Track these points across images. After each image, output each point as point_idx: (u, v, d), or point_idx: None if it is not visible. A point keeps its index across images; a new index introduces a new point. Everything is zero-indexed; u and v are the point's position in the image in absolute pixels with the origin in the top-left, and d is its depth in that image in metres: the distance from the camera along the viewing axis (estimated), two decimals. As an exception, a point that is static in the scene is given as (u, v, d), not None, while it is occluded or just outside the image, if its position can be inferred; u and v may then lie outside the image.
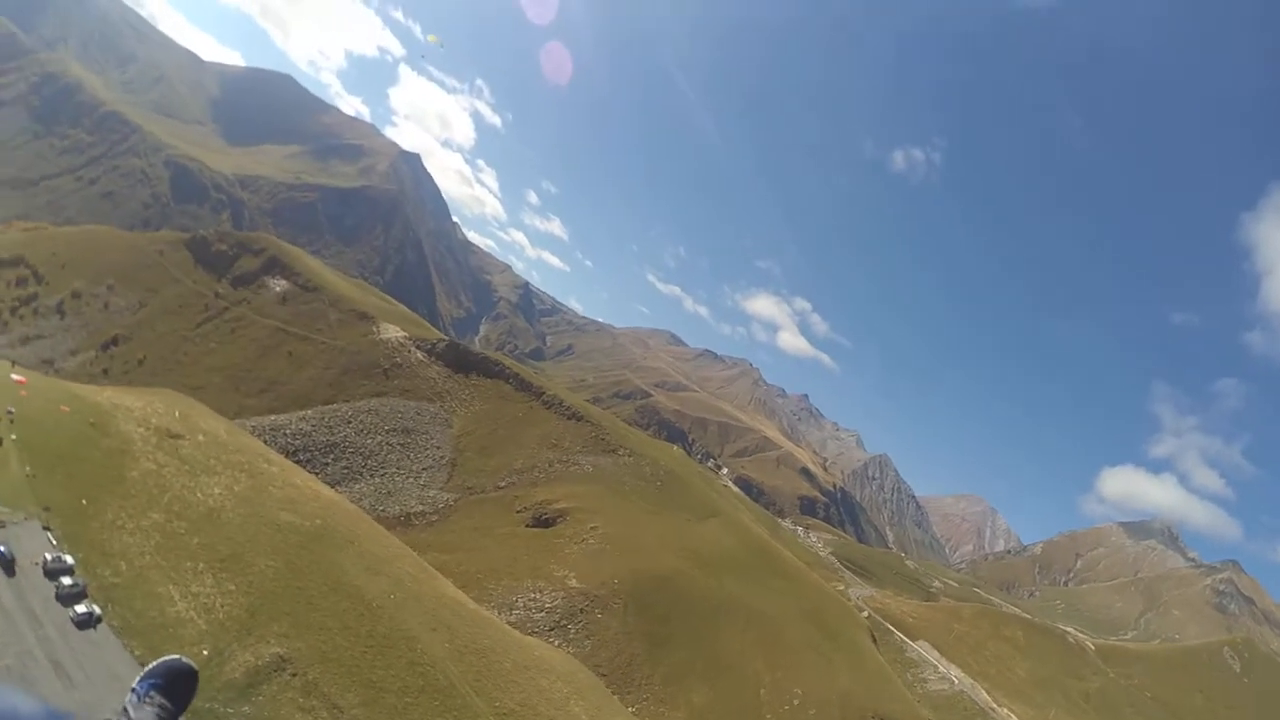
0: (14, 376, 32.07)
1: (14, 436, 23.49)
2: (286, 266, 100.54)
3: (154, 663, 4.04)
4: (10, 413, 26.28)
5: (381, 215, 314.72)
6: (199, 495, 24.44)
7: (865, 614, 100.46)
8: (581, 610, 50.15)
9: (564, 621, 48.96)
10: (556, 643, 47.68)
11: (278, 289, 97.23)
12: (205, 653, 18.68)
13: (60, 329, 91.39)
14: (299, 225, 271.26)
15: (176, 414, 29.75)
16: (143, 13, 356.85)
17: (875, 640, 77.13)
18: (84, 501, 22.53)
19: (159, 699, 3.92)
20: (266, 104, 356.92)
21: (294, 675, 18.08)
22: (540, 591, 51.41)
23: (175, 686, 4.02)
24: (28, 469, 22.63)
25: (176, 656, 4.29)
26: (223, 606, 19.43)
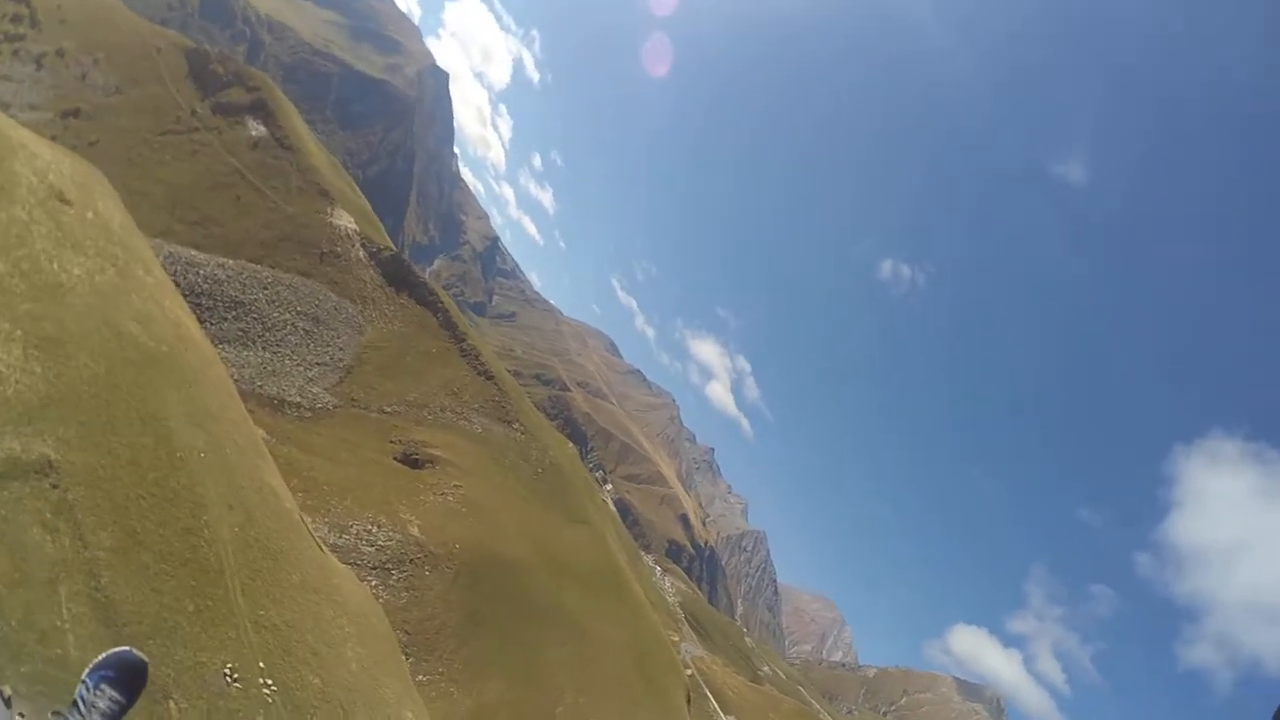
0: None
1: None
2: (271, 114, 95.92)
3: (103, 654, 4.05)
4: None
5: (389, 114, 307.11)
6: (55, 266, 21.14)
7: (689, 672, 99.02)
8: (411, 561, 47.24)
9: (389, 565, 45.94)
10: (374, 584, 44.75)
11: (254, 132, 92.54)
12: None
13: (31, 79, 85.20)
14: (307, 90, 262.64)
15: (72, 178, 26.35)
16: None
17: (689, 701, 75.60)
18: None
19: (110, 691, 3.88)
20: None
21: (54, 487, 15.09)
22: (379, 526, 48.34)
23: (126, 679, 3.97)
24: None
25: (127, 648, 4.27)
26: (16, 383, 16.32)
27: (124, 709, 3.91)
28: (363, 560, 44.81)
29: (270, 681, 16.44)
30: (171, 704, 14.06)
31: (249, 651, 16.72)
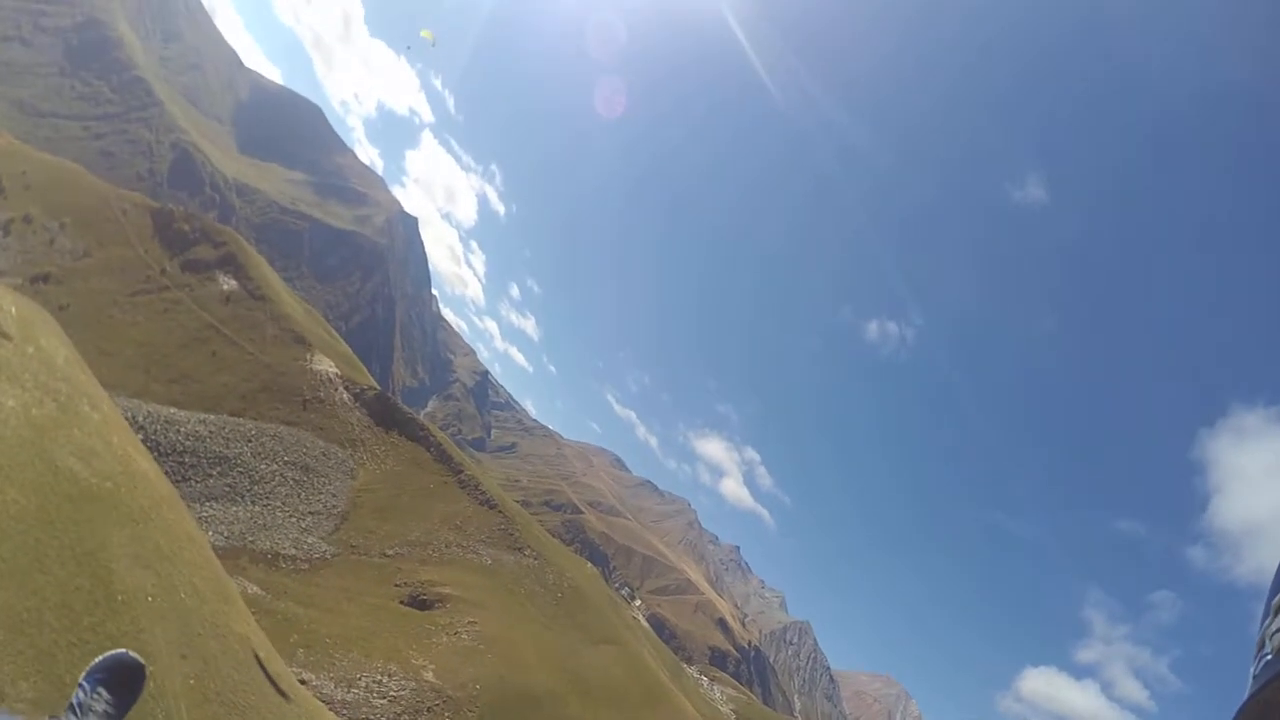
0: None
1: None
2: (241, 267, 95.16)
3: (99, 658, 4.08)
4: None
5: (363, 264, 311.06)
6: None
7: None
8: (429, 709, 42.63)
9: (406, 717, 41.41)
10: (389, 739, 40.00)
11: (225, 286, 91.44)
12: None
13: None
14: (281, 248, 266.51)
15: (14, 312, 23.66)
16: (205, 0, 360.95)
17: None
18: None
19: (106, 695, 3.86)
20: (289, 125, 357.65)
21: None
22: (389, 676, 43.84)
23: (122, 681, 4.00)
24: None
25: (123, 651, 4.31)
26: None
27: (121, 712, 3.83)
28: (375, 714, 40.25)
29: None
30: None
31: (203, 835, 13.05)
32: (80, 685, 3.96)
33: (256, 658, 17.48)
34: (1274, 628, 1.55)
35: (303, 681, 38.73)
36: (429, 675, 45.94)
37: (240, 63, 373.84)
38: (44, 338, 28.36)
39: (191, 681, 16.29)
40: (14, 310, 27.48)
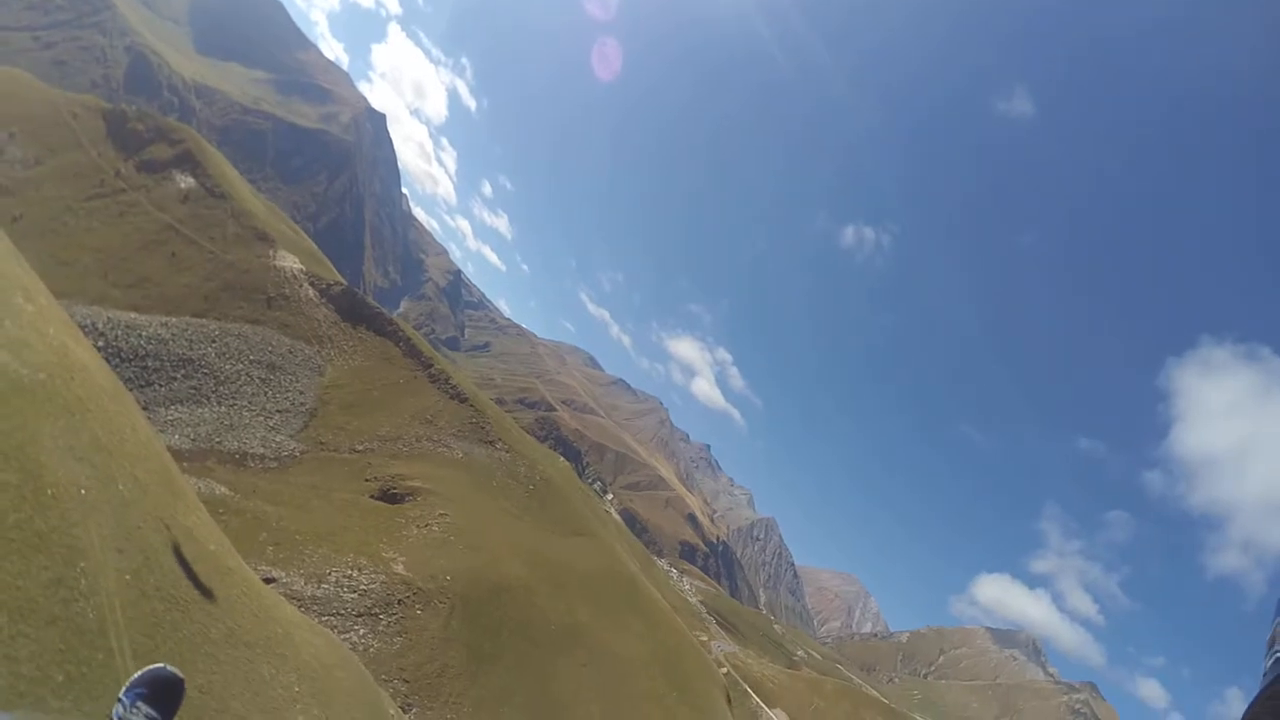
0: None
1: None
2: (199, 165, 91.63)
3: (139, 672, 4.14)
4: None
5: (330, 164, 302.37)
6: None
7: (725, 670, 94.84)
8: (400, 602, 42.85)
9: (376, 610, 41.52)
10: (361, 632, 40.29)
11: (183, 185, 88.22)
12: None
13: None
14: (244, 150, 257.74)
15: None
16: None
17: (730, 701, 71.49)
18: None
19: (145, 709, 3.96)
20: (247, 23, 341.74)
21: None
22: (359, 570, 43.97)
23: (161, 696, 4.07)
24: None
25: (162, 665, 4.33)
26: None
27: None
28: (345, 609, 40.40)
29: (168, 768, 12.19)
30: None
31: (137, 730, 12.48)
32: (120, 700, 4.00)
33: (176, 551, 16.78)
34: None
35: (271, 579, 38.66)
36: (399, 568, 46.12)
37: None
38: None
39: (128, 577, 15.63)
40: None
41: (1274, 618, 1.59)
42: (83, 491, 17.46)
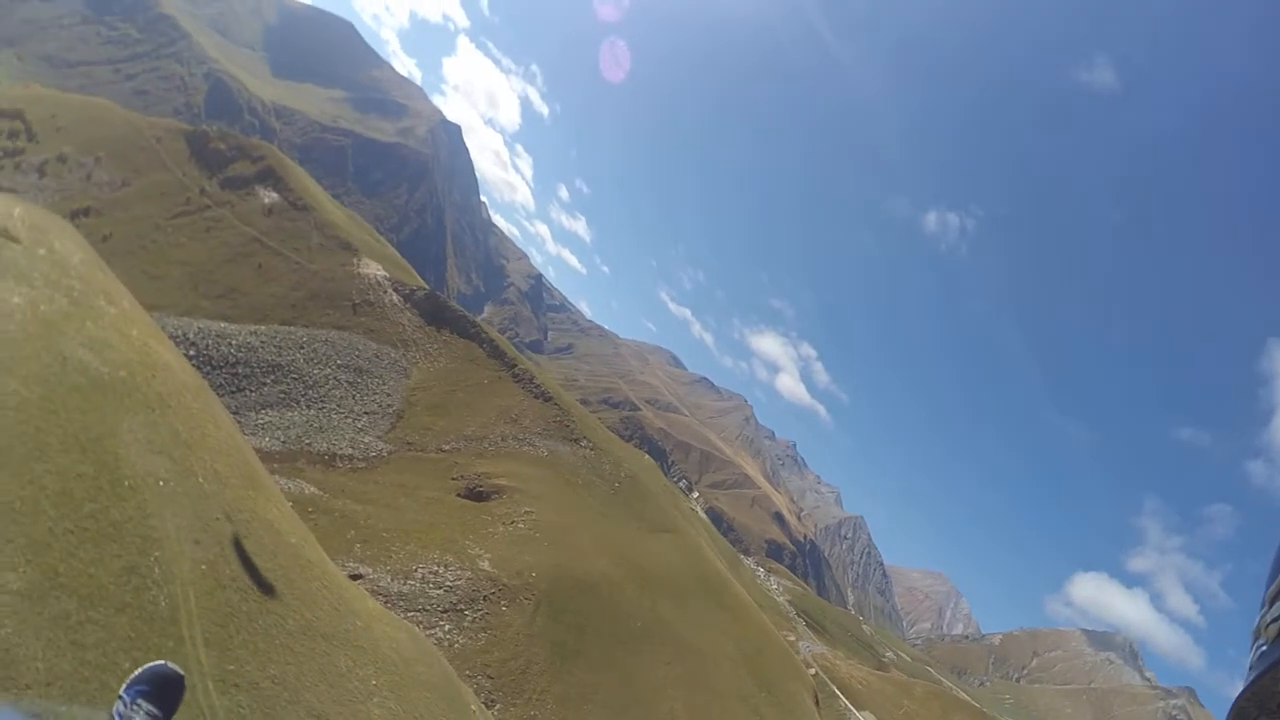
0: None
1: None
2: (281, 180, 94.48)
3: (140, 669, 4.12)
4: None
5: (409, 176, 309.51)
6: None
7: (812, 671, 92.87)
8: (485, 598, 42.82)
9: (462, 606, 41.56)
10: (447, 628, 40.33)
11: (266, 200, 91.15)
12: None
13: (36, 188, 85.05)
14: (326, 166, 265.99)
15: (18, 214, 22.41)
16: None
17: (818, 702, 69.76)
18: None
19: (146, 705, 3.91)
20: (321, 45, 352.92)
21: None
22: (445, 567, 44.12)
23: (162, 693, 4.05)
24: None
25: (163, 662, 4.31)
26: None
27: None
28: (431, 605, 40.61)
29: (236, 758, 11.95)
30: None
31: (207, 719, 12.26)
32: (120, 697, 3.93)
33: (236, 543, 16.55)
34: (1269, 617, 1.55)
35: (358, 576, 39.10)
36: (485, 564, 46.21)
37: None
38: (58, 241, 27.48)
39: (203, 567, 15.56)
40: (20, 214, 26.65)
41: (1261, 608, 1.58)
42: (161, 484, 17.54)
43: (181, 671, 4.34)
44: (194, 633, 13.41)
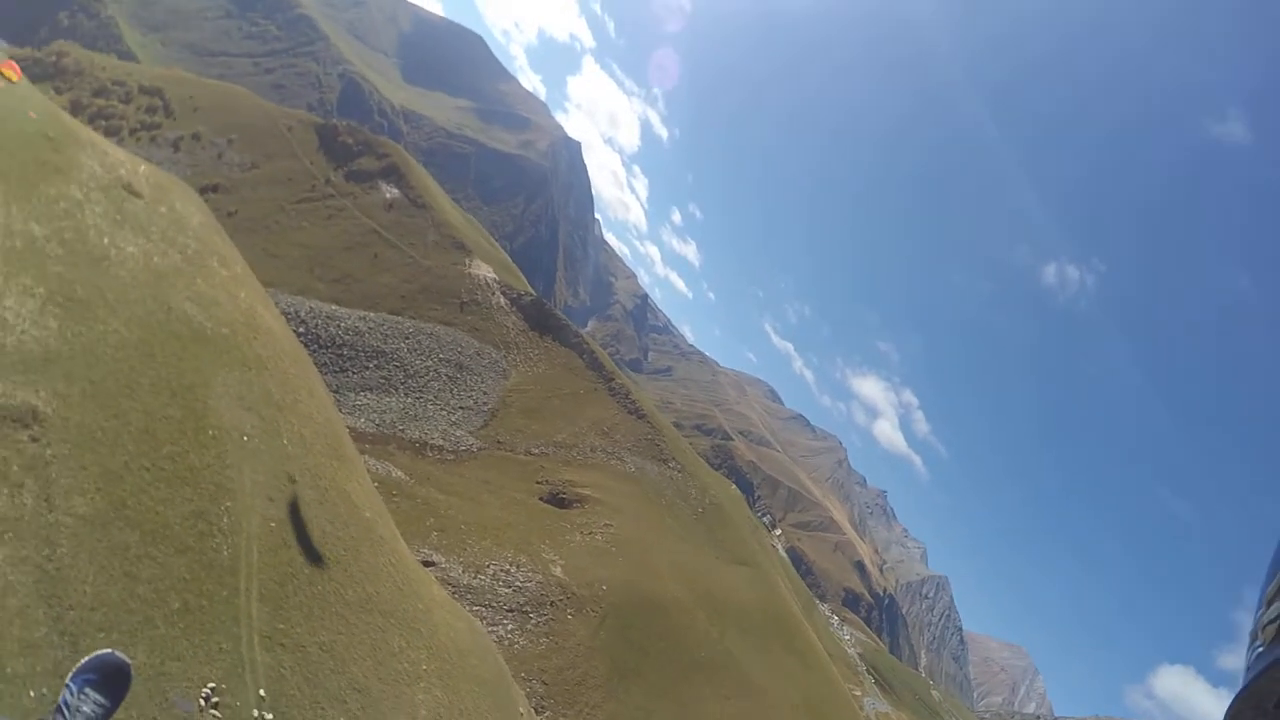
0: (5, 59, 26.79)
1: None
2: (403, 177, 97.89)
3: (86, 658, 4.04)
4: None
5: (527, 187, 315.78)
6: (104, 241, 18.01)
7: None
8: (552, 603, 42.40)
9: (527, 608, 41.22)
10: (509, 628, 40.07)
11: (388, 195, 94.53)
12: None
13: (169, 161, 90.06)
14: (448, 171, 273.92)
15: (143, 171, 23.55)
16: None
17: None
18: None
19: (94, 695, 3.89)
20: (452, 56, 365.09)
21: (33, 440, 11.61)
22: (518, 566, 43.94)
23: (110, 682, 3.99)
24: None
25: (109, 651, 4.25)
26: (22, 333, 12.96)
27: (109, 712, 3.85)
28: (498, 602, 40.47)
29: (270, 716, 11.66)
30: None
31: (247, 672, 12.08)
32: (67, 686, 3.88)
33: (305, 508, 16.35)
34: (1267, 618, 1.54)
35: (430, 563, 39.22)
36: (557, 570, 45.88)
37: None
38: (179, 202, 28.59)
39: (272, 524, 15.53)
40: (145, 173, 27.87)
41: (1256, 610, 1.57)
42: (245, 439, 17.71)
43: (129, 661, 4.22)
44: (251, 586, 13.30)
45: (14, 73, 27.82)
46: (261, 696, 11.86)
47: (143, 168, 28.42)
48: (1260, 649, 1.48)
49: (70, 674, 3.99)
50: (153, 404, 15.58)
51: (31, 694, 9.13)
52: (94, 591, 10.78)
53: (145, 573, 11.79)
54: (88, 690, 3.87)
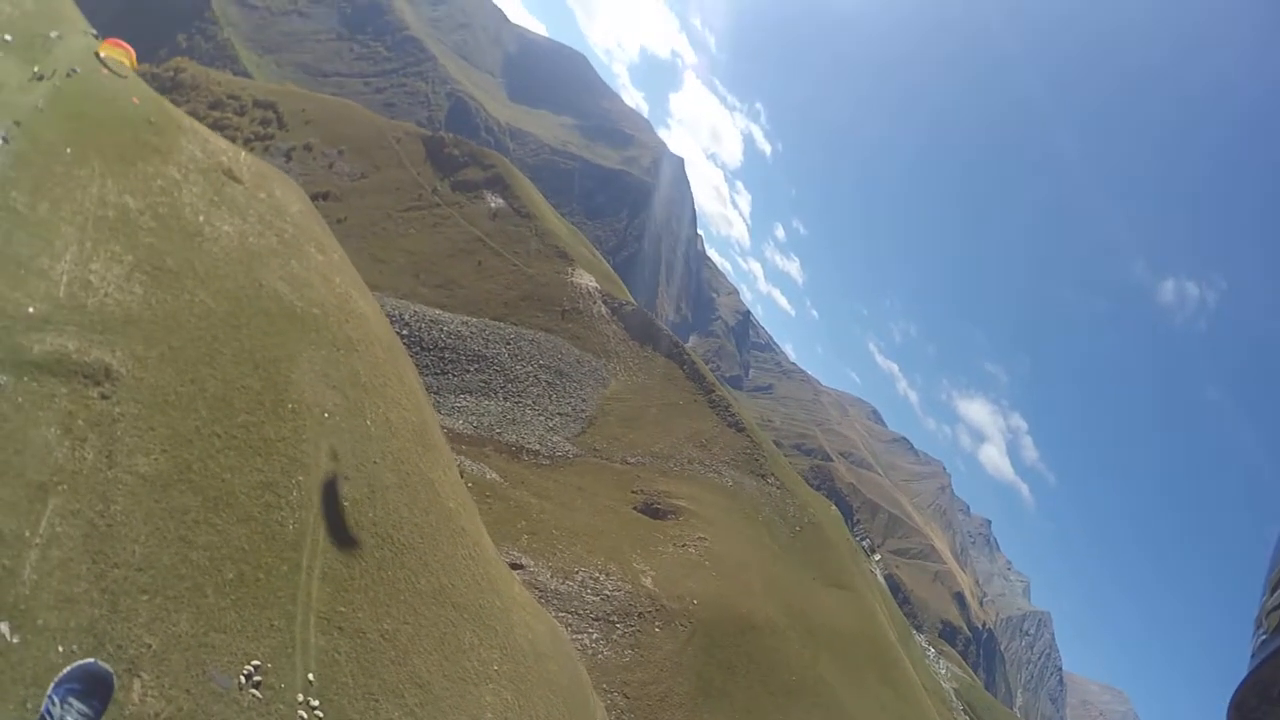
0: (122, 46, 28.05)
1: (40, 105, 18.22)
2: (508, 187, 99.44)
3: (69, 667, 3.98)
4: (73, 72, 22.12)
5: (630, 202, 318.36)
6: (199, 218, 17.89)
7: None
8: (640, 614, 41.12)
9: (614, 617, 40.07)
10: (594, 636, 38.98)
11: (493, 205, 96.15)
12: (31, 310, 11.96)
13: (282, 170, 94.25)
14: (552, 186, 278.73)
15: (244, 160, 23.72)
16: None
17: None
18: (68, 150, 17.01)
19: (78, 705, 3.86)
20: (555, 74, 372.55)
21: (103, 398, 11.18)
22: (607, 575, 42.92)
23: (93, 691, 3.93)
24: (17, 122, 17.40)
25: (92, 660, 4.22)
26: (105, 296, 12.72)
27: None
28: (585, 610, 39.45)
29: (316, 703, 10.75)
30: (137, 683, 8.74)
31: (296, 653, 11.27)
32: (49, 697, 3.79)
33: (335, 494, 15.42)
34: (1271, 604, 1.54)
35: (519, 565, 38.56)
36: (647, 581, 44.63)
37: (506, 19, 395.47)
38: (279, 190, 28.86)
39: (345, 504, 14.87)
40: (246, 160, 28.21)
41: (1261, 596, 1.57)
42: (326, 415, 17.17)
43: (111, 670, 4.13)
44: (314, 564, 12.56)
45: (128, 56, 28.81)
46: (310, 680, 11.04)
47: (244, 156, 28.87)
48: (1264, 636, 1.48)
49: (51, 684, 3.93)
50: (232, 373, 15.18)
51: (60, 649, 8.53)
52: (144, 552, 10.19)
53: (202, 539, 11.18)
54: (71, 700, 3.77)
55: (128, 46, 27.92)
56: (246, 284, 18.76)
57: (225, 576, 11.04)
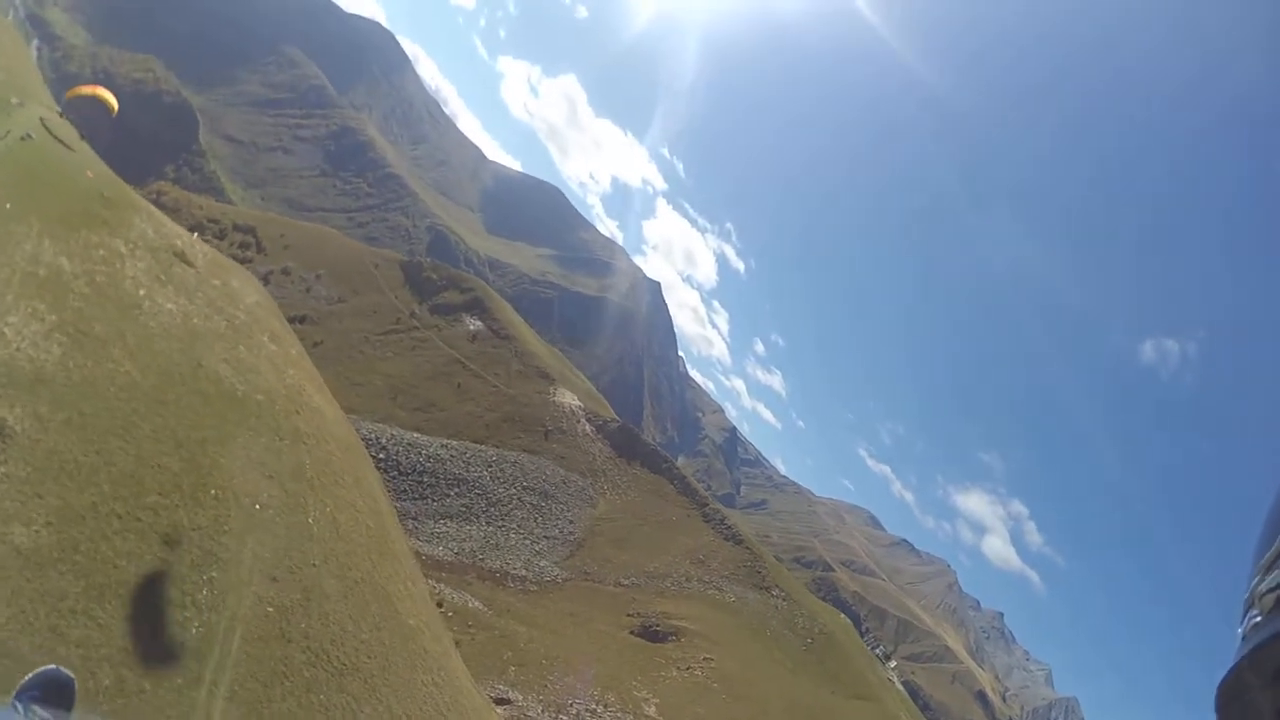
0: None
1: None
2: (487, 310, 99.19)
3: (30, 674, 3.77)
4: (28, 136, 21.03)
5: (611, 328, 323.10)
6: (139, 292, 16.03)
7: None
8: (645, 750, 37.27)
9: (619, 751, 36.18)
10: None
11: (471, 327, 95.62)
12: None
13: None
14: (532, 315, 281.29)
15: (207, 258, 22.21)
16: (445, 109, 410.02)
17: None
18: (7, 205, 15.46)
19: (41, 712, 3.65)
20: (532, 208, 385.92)
21: None
22: (605, 706, 39.22)
23: (56, 698, 3.79)
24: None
25: (54, 667, 3.96)
26: (17, 351, 10.93)
27: None
28: (585, 745, 35.54)
29: None
30: None
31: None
32: (13, 705, 3.51)
33: (255, 597, 12.79)
34: (1264, 587, 1.50)
35: (505, 700, 34.85)
36: (651, 710, 40.72)
37: (483, 157, 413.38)
38: (237, 281, 27.01)
39: (270, 610, 12.17)
40: (202, 249, 26.56)
41: (1251, 577, 1.51)
42: (258, 507, 14.57)
43: (72, 675, 3.68)
44: (220, 678, 9.85)
45: (111, 102, 28.99)
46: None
47: (201, 244, 27.25)
48: (1258, 618, 1.44)
49: (13, 694, 3.54)
50: (149, 450, 12.82)
51: None
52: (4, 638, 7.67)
53: (77, 632, 8.63)
54: (35, 707, 3.46)
55: (107, 94, 28.14)
56: (183, 362, 16.50)
57: (100, 682, 8.47)
